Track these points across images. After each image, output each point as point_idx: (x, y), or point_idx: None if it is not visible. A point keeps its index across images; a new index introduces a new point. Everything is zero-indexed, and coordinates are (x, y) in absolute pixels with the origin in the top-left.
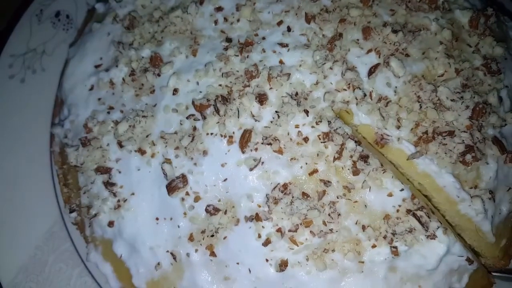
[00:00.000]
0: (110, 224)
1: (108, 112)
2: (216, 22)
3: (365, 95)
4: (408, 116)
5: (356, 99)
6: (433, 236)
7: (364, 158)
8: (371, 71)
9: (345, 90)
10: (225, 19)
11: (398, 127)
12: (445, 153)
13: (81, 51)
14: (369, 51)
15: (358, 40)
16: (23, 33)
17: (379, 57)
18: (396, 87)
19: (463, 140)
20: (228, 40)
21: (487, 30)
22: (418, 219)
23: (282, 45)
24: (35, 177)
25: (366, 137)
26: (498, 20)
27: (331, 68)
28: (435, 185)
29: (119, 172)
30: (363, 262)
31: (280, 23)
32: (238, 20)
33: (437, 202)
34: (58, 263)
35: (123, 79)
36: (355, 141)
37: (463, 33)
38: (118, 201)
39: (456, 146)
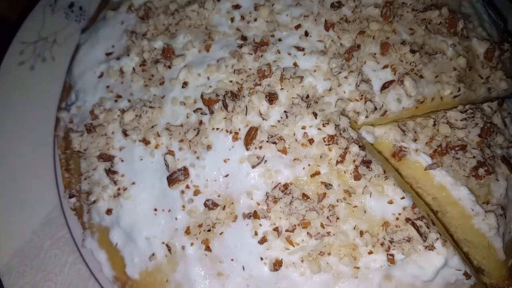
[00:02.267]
0: (108, 211)
1: (116, 101)
2: (232, 19)
3: (375, 108)
4: (423, 131)
5: (366, 111)
6: (431, 247)
7: (367, 163)
8: (385, 86)
9: (357, 100)
10: (242, 17)
11: (415, 140)
12: (459, 167)
13: (93, 38)
14: (385, 66)
15: (375, 54)
16: (35, 21)
17: (395, 74)
18: (403, 107)
19: (474, 156)
20: (244, 38)
21: (499, 64)
22: (417, 228)
23: (298, 48)
24: (37, 162)
25: (382, 151)
26: (511, 54)
27: (346, 78)
28: (450, 198)
29: (122, 160)
30: (358, 268)
31: (298, 26)
32: (255, 20)
33: (450, 217)
34: (54, 249)
35: (134, 68)
36: (360, 146)
37: (477, 63)
38: (118, 189)
39: (468, 160)
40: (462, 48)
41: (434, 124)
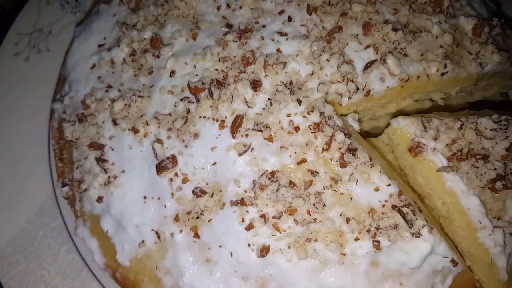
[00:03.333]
0: (99, 199)
1: (106, 91)
2: (219, 8)
3: (357, 88)
4: (446, 131)
5: (349, 92)
6: (418, 234)
7: (352, 151)
8: (367, 66)
9: (339, 82)
10: (228, 6)
11: (436, 139)
12: (476, 176)
13: (87, 31)
14: (368, 46)
15: (357, 35)
16: (31, 12)
17: (377, 53)
18: (388, 86)
19: (495, 168)
20: (229, 26)
21: (489, 39)
22: (403, 215)
23: (281, 34)
24: (32, 153)
25: (400, 143)
26: (503, 32)
27: (327, 60)
28: (459, 206)
29: (112, 149)
30: (344, 254)
31: (281, 12)
32: (240, 7)
33: (456, 226)
34: (47, 238)
35: (124, 59)
36: (345, 134)
37: (465, 40)
38: (109, 177)
39: (487, 171)
40: (449, 26)
41: (461, 128)
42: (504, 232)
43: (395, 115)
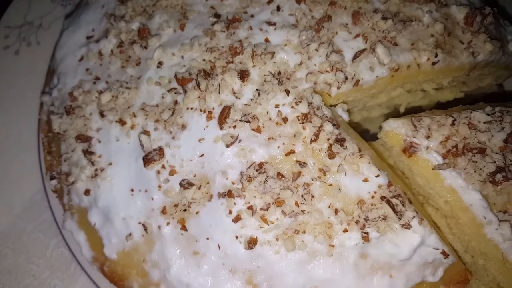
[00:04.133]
0: (87, 192)
1: (94, 82)
2: None
3: (346, 78)
4: (439, 129)
5: (338, 82)
6: (407, 226)
7: (340, 141)
8: (356, 56)
9: (328, 72)
10: None
11: (428, 137)
12: (474, 170)
13: (76, 23)
14: (357, 36)
15: (347, 24)
16: (21, 5)
17: (366, 42)
18: (377, 76)
19: (495, 161)
20: (217, 16)
21: (482, 29)
22: (393, 206)
23: (270, 23)
24: (22, 146)
25: (394, 145)
26: (496, 21)
27: (316, 50)
28: (461, 203)
29: (99, 141)
30: (333, 246)
31: (270, 1)
32: None
33: (463, 224)
34: (36, 232)
35: (112, 50)
36: (334, 124)
37: (456, 29)
38: (96, 170)
39: (486, 165)
40: (440, 15)
41: (453, 124)
42: (511, 224)
43: (387, 106)
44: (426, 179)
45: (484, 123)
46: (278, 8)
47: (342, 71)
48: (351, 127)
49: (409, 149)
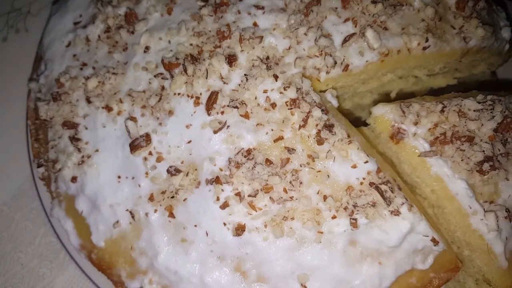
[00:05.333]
0: (73, 179)
1: (81, 68)
2: None
3: (335, 62)
4: (428, 115)
5: (327, 66)
6: (396, 212)
7: (329, 127)
8: (346, 40)
9: (316, 56)
10: None
11: (416, 124)
12: (462, 159)
13: (63, 8)
14: (346, 20)
15: (336, 8)
16: None
17: (356, 26)
18: (367, 60)
19: (483, 150)
20: (205, 0)
21: (474, 14)
22: (381, 193)
23: (258, 7)
24: (10, 134)
25: (382, 131)
26: (489, 7)
27: (305, 34)
28: (447, 191)
29: (86, 128)
30: (322, 233)
31: None
32: None
33: (448, 213)
34: (25, 221)
35: (99, 36)
36: (322, 110)
37: (448, 14)
38: (83, 157)
39: (474, 154)
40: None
41: (443, 111)
42: (497, 215)
43: (378, 92)
44: (413, 166)
45: (475, 111)
46: None
47: (331, 55)
48: (341, 114)
49: (397, 135)
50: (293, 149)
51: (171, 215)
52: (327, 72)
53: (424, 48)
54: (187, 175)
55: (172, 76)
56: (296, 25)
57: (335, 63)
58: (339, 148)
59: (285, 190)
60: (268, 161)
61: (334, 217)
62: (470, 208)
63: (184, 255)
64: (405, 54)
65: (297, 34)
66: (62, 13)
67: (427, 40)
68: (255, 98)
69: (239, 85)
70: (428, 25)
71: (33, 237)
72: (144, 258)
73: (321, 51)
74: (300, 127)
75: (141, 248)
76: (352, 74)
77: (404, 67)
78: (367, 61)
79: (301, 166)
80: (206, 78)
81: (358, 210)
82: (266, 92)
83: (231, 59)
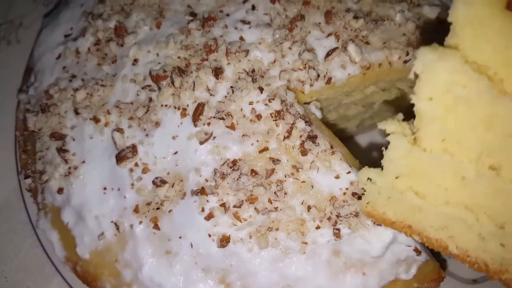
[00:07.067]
0: (60, 191)
1: (70, 80)
2: None
3: (318, 75)
4: None
5: (310, 79)
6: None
7: (312, 138)
8: (328, 54)
9: (300, 70)
10: None
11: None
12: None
13: (54, 21)
14: (329, 34)
15: (319, 23)
16: (2, 4)
17: (338, 41)
18: (349, 73)
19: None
20: (193, 14)
21: None
22: None
23: (245, 22)
24: None
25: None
26: None
27: (289, 48)
28: None
29: (73, 139)
30: (306, 243)
31: (245, 1)
32: None
33: None
34: (10, 233)
35: (89, 48)
36: (306, 121)
37: (429, 28)
38: (69, 168)
39: None
40: (413, 14)
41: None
42: None
43: (362, 104)
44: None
45: None
46: (253, 8)
47: (314, 69)
48: (326, 125)
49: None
50: (278, 159)
51: (156, 226)
52: (311, 85)
53: (405, 62)
54: (172, 186)
55: (159, 88)
56: (281, 39)
57: (318, 76)
58: (323, 159)
59: (270, 201)
60: (253, 172)
61: (318, 227)
62: None
63: (169, 267)
64: (387, 67)
65: (282, 48)
66: (54, 26)
67: (407, 54)
68: (241, 110)
69: (226, 97)
70: (409, 39)
71: (18, 249)
72: (128, 270)
73: (305, 64)
74: (284, 138)
75: (125, 260)
76: (335, 86)
77: (386, 80)
78: (349, 74)
79: (285, 177)
80: (193, 90)
81: (341, 220)
82: (251, 104)
83: (217, 72)
